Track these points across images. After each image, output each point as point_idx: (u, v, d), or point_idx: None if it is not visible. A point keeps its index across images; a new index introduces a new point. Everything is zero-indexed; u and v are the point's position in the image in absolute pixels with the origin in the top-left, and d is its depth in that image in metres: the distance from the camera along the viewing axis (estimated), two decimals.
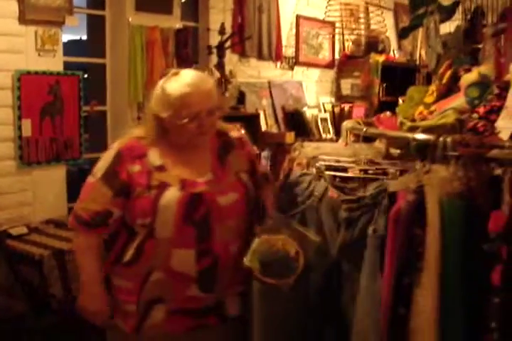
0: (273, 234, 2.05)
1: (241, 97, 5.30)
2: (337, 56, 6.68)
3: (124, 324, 2.18)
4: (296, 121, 5.88)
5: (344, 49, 6.73)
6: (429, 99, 2.55)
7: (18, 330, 3.32)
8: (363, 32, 6.73)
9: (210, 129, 2.14)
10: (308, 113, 6.02)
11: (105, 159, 2.14)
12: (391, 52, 6.95)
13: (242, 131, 2.38)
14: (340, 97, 6.66)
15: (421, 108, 2.55)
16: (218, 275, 2.13)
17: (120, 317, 2.19)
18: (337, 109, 6.34)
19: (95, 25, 4.67)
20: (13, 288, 3.58)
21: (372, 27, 6.71)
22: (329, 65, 6.60)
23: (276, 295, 2.07)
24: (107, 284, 2.21)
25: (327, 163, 2.13)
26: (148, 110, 2.16)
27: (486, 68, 2.36)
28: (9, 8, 3.70)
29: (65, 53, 4.11)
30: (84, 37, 6.09)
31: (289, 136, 5.36)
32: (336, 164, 2.17)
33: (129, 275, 2.15)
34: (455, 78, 2.55)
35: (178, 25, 4.80)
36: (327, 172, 2.13)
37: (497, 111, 2.24)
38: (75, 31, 5.52)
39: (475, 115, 2.26)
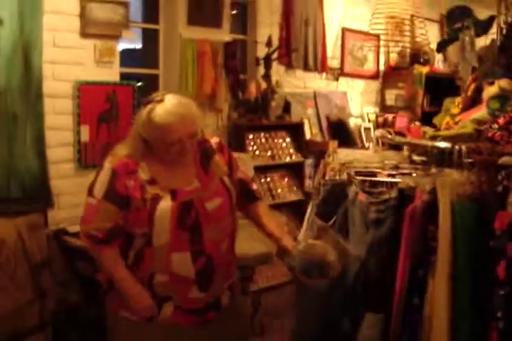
0: (316, 240, 2.27)
1: (287, 107, 5.53)
2: (382, 67, 6.85)
3: (136, 316, 2.35)
4: (339, 130, 6.07)
5: (389, 60, 6.89)
6: (455, 110, 2.73)
7: (73, 320, 3.59)
8: (408, 44, 6.88)
9: (190, 150, 2.31)
10: (352, 122, 6.20)
11: (102, 180, 2.27)
12: (436, 64, 7.08)
13: (217, 139, 2.53)
14: (384, 107, 6.83)
15: (447, 118, 2.74)
16: (213, 273, 2.34)
17: (129, 311, 2.36)
18: (380, 119, 6.50)
19: (149, 38, 4.98)
20: (69, 281, 3.85)
21: (418, 39, 6.86)
22: (374, 76, 6.78)
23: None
24: (111, 284, 2.38)
25: (357, 170, 2.34)
26: (135, 131, 2.30)
27: (506, 82, 2.53)
28: (72, 23, 4.01)
29: (121, 61, 4.40)
30: (138, 46, 6.44)
31: (332, 144, 5.54)
32: (364, 170, 2.38)
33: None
34: (479, 91, 2.72)
35: (227, 38, 5.05)
36: (358, 178, 2.34)
37: None
38: (131, 40, 5.85)
39: (495, 125, 2.44)
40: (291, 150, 5.44)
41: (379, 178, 2.32)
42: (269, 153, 5.25)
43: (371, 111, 6.68)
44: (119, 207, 2.25)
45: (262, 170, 5.21)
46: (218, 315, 2.43)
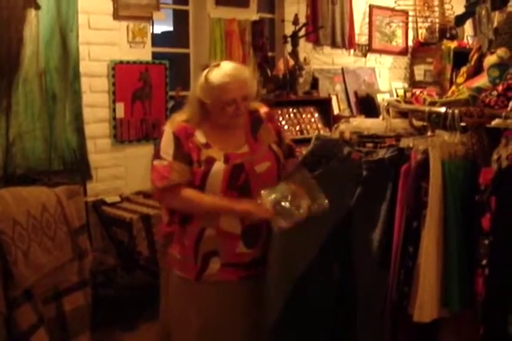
0: (295, 185, 2.41)
1: (314, 83, 5.69)
2: (410, 43, 6.94)
3: (186, 274, 2.58)
4: (368, 106, 6.21)
5: (418, 36, 6.97)
6: (460, 80, 2.88)
7: (110, 280, 3.87)
8: (437, 20, 6.94)
9: (244, 112, 2.51)
10: (380, 97, 6.32)
11: (167, 143, 2.50)
12: (464, 39, 7.13)
13: (266, 109, 2.74)
14: (413, 83, 6.91)
15: (453, 88, 2.89)
16: (260, 230, 2.54)
17: (180, 269, 2.60)
18: (408, 94, 6.58)
19: (180, 19, 5.21)
20: (107, 246, 4.15)
21: (446, 14, 6.92)
22: (402, 52, 6.88)
23: (295, 234, 2.44)
24: (168, 242, 2.63)
25: (355, 131, 2.53)
26: (192, 96, 2.54)
27: (503, 51, 2.66)
28: (105, 6, 4.27)
29: (159, 43, 4.63)
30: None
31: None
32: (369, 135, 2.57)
33: (185, 233, 2.55)
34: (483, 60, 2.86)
35: (255, 17, 5.24)
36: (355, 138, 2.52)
37: None
38: (167, 23, 6.08)
39: (494, 92, 2.58)
40: (319, 125, 5.60)
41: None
42: (297, 128, 5.42)
43: (400, 86, 6.79)
44: (188, 164, 2.47)
45: None
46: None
